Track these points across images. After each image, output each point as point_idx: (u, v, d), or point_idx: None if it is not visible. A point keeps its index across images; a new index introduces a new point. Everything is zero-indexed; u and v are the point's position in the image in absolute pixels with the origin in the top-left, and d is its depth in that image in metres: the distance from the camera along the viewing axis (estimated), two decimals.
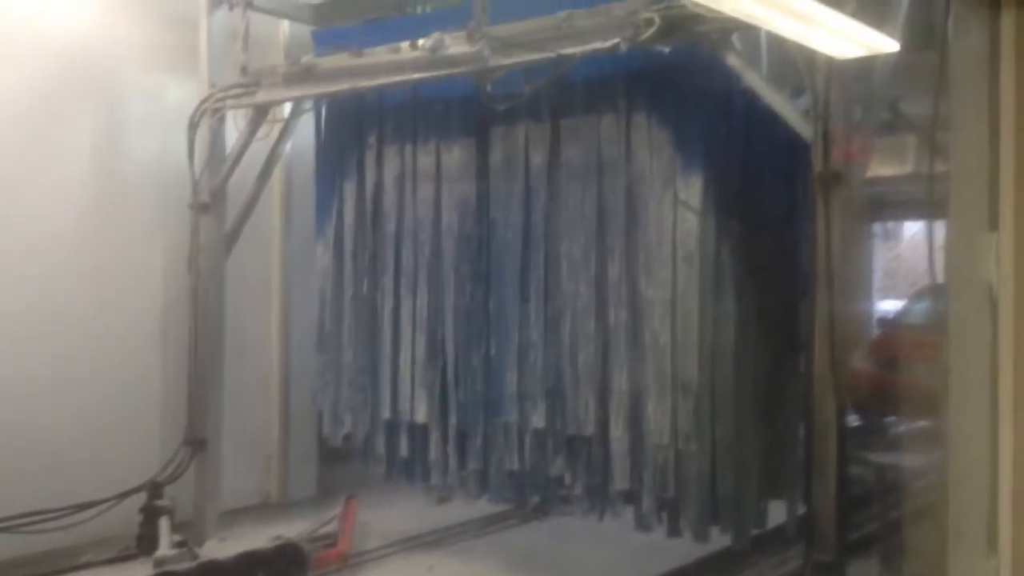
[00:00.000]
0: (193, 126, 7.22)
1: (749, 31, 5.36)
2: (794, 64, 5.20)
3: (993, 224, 2.68)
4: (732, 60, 5.21)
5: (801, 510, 6.39)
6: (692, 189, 5.65)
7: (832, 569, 4.90)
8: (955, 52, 2.66)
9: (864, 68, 5.03)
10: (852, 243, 5.24)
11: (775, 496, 6.22)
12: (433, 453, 6.77)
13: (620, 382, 5.90)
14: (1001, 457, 2.53)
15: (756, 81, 5.18)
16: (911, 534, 5.22)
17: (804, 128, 4.99)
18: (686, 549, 6.18)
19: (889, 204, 8.65)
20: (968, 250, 2.64)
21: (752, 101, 5.38)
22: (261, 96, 7.03)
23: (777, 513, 6.18)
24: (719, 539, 6.01)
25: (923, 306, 10.00)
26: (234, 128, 7.33)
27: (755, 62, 5.42)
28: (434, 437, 6.74)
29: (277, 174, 8.09)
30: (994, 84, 2.67)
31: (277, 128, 7.52)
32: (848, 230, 5.03)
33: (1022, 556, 2.63)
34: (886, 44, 4.28)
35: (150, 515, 6.82)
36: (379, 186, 7.03)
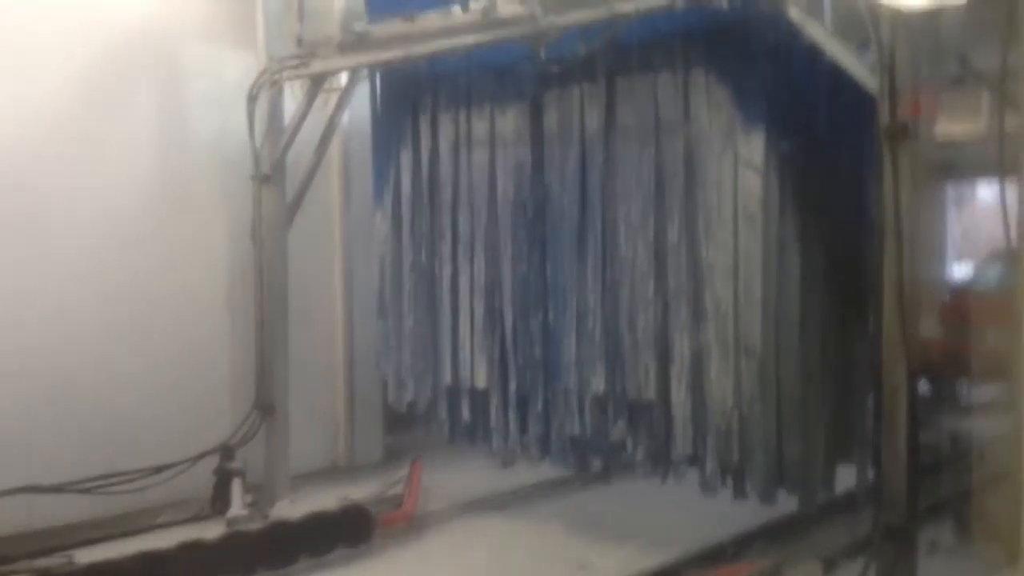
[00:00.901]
0: (252, 99, 7.26)
1: None
2: (859, 17, 5.00)
3: None
4: (793, 13, 5.01)
5: (871, 474, 6.30)
6: (753, 147, 5.49)
7: (903, 533, 4.78)
8: None
9: (931, 18, 4.81)
10: (921, 201, 5.04)
11: (844, 460, 6.11)
12: (494, 418, 6.79)
13: (681, 346, 5.82)
14: None
15: (819, 33, 4.99)
16: (983, 499, 5.07)
17: (870, 81, 4.80)
18: (752, 514, 6.11)
19: (961, 164, 8.31)
20: None
21: (816, 55, 5.19)
22: (316, 66, 7.03)
23: (846, 477, 6.09)
24: (786, 503, 5.92)
25: (995, 270, 9.64)
26: (292, 100, 7.37)
27: (817, 15, 5.22)
28: (494, 402, 6.76)
29: (336, 144, 8.12)
30: None
31: (334, 98, 7.56)
32: (916, 187, 4.83)
33: None
34: None
35: (223, 477, 7.00)
36: (434, 153, 7.01)
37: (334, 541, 6.09)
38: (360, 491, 7.01)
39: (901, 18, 4.63)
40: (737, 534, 6.28)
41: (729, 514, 6.17)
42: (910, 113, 4.68)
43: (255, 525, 6.23)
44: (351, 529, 6.24)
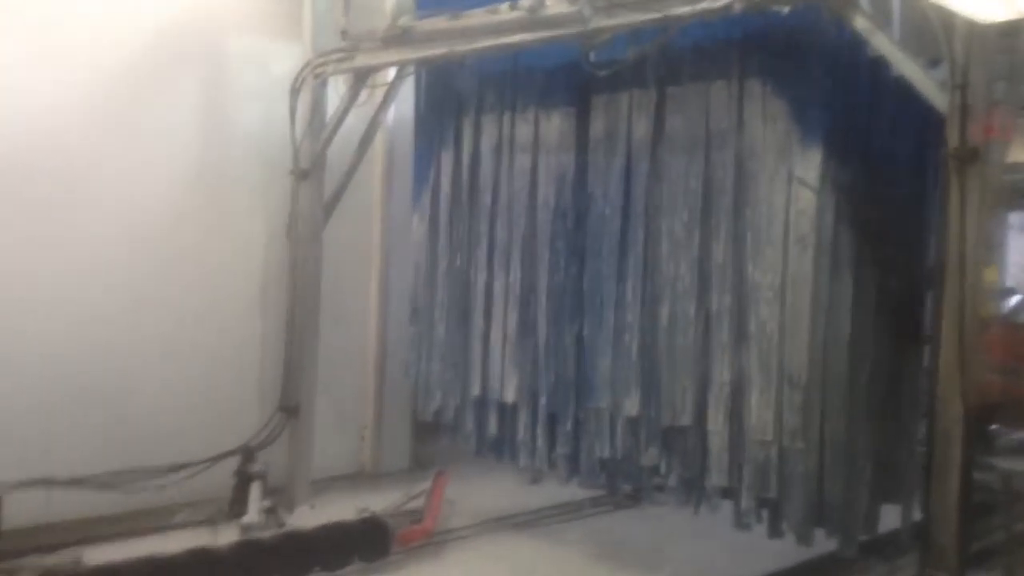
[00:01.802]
0: (295, 91, 7.14)
1: None
2: (930, 31, 4.67)
3: None
4: (860, 23, 4.70)
5: (917, 515, 5.94)
6: (809, 165, 5.18)
7: None
8: None
9: (1008, 35, 4.47)
10: (989, 230, 4.70)
11: (889, 500, 5.75)
12: (521, 433, 6.54)
13: (721, 371, 5.51)
14: None
15: (886, 46, 4.67)
16: None
17: (939, 99, 4.47)
18: (787, 550, 5.78)
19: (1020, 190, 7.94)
20: None
21: (880, 69, 4.87)
22: (360, 60, 6.88)
23: (889, 517, 5.73)
24: (824, 543, 5.59)
25: None
26: (336, 94, 7.22)
27: (885, 26, 4.90)
28: (523, 417, 6.51)
29: (378, 142, 7.96)
30: None
31: (379, 94, 7.39)
32: (984, 215, 4.49)
33: None
34: None
35: (242, 479, 6.85)
36: (476, 156, 6.80)
37: (349, 555, 5.87)
38: (383, 500, 6.79)
39: (976, 34, 4.30)
40: (769, 574, 5.96)
41: (762, 549, 5.84)
42: (982, 134, 4.35)
43: (269, 533, 6.03)
44: (367, 543, 6.02)
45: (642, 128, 5.85)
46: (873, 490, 5.53)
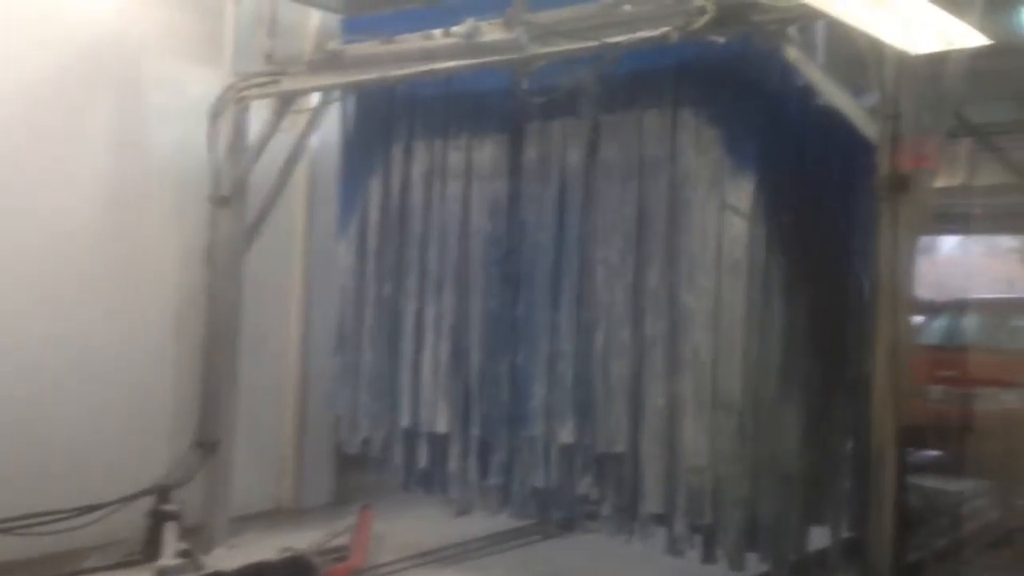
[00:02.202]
0: (215, 116, 6.94)
1: (806, 24, 5.00)
2: (853, 61, 4.83)
3: None
4: (791, 54, 4.83)
5: (844, 536, 6.05)
6: (741, 193, 5.26)
7: None
8: None
9: (934, 67, 4.64)
10: (914, 256, 4.84)
11: (818, 521, 5.84)
12: (453, 465, 6.42)
13: (656, 397, 5.52)
14: None
15: (817, 77, 4.79)
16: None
17: (870, 128, 4.60)
18: (717, 574, 5.80)
19: (940, 216, 8.31)
20: None
21: (810, 99, 5.00)
22: (286, 85, 6.74)
23: (816, 536, 5.81)
24: (754, 565, 5.62)
25: (940, 323, 9.59)
26: (258, 119, 7.05)
27: (811, 56, 5.04)
28: (455, 448, 6.39)
29: (302, 168, 7.79)
30: None
31: (303, 120, 7.25)
32: (913, 241, 4.63)
33: None
34: (969, 36, 3.90)
35: (156, 520, 6.52)
36: (406, 183, 6.71)
37: None
38: (305, 538, 6.57)
39: (906, 64, 4.45)
40: None
41: (694, 573, 5.83)
42: (911, 164, 4.48)
43: None
44: None
45: (576, 156, 5.86)
46: (803, 512, 5.60)
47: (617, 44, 5.09)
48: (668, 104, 5.53)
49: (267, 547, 6.34)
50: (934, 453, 6.70)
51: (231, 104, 6.92)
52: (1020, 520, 6.99)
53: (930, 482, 6.22)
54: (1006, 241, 12.12)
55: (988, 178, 8.68)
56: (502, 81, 5.91)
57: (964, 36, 3.90)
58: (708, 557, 5.57)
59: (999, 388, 8.01)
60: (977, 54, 4.54)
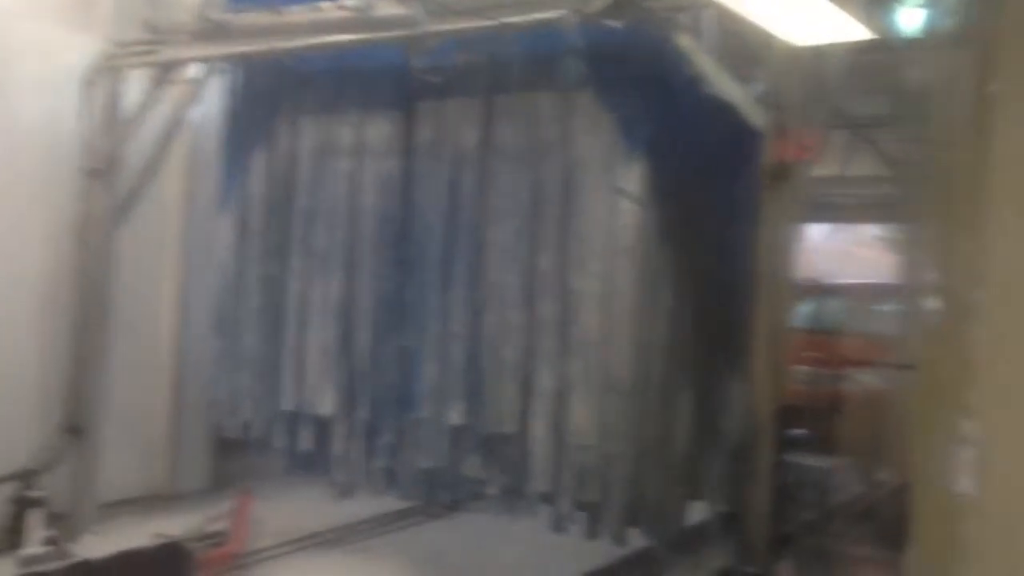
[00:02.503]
0: (88, 84, 6.65)
1: (697, 13, 5.13)
2: (738, 51, 4.99)
3: None
4: (683, 41, 4.93)
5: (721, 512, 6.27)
6: (633, 177, 5.37)
7: None
8: (1006, 27, 2.38)
9: (817, 60, 4.84)
10: (794, 242, 5.05)
11: (697, 497, 6.05)
12: (338, 447, 6.33)
13: (546, 379, 5.58)
14: None
15: (708, 65, 4.92)
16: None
17: (757, 117, 4.76)
18: (599, 550, 5.92)
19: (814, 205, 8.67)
20: (1009, 249, 2.36)
21: (700, 87, 5.12)
22: (166, 54, 6.47)
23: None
24: (635, 540, 5.77)
25: (807, 308, 10.07)
26: (136, 90, 6.75)
27: (701, 46, 5.17)
28: (340, 431, 6.30)
29: (181, 142, 7.49)
30: None
31: (183, 91, 6.97)
32: (793, 228, 4.83)
33: None
34: (852, 31, 4.08)
35: (20, 506, 6.24)
36: (293, 159, 6.54)
37: None
38: (181, 523, 6.35)
39: (791, 56, 4.62)
40: (583, 572, 6.08)
41: (577, 549, 5.95)
42: (795, 155, 4.67)
43: (52, 566, 5.46)
44: (166, 571, 5.60)
45: (470, 137, 5.85)
46: (683, 490, 5.78)
47: (514, 25, 5.09)
48: (562, 88, 5.56)
49: (139, 534, 6.10)
50: (800, 432, 7.02)
51: (106, 73, 6.62)
52: (880, 494, 7.41)
53: (797, 459, 6.51)
54: (873, 230, 12.80)
55: (859, 169, 9.12)
56: (395, 58, 5.83)
57: (847, 30, 4.07)
58: (592, 533, 5.68)
59: (860, 369, 8.45)
60: (855, 49, 4.76)
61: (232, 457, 7.92)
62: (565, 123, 5.56)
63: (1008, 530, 2.44)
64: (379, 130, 6.18)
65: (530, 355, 5.65)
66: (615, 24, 4.90)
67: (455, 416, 5.80)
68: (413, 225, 6.07)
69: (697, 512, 6.17)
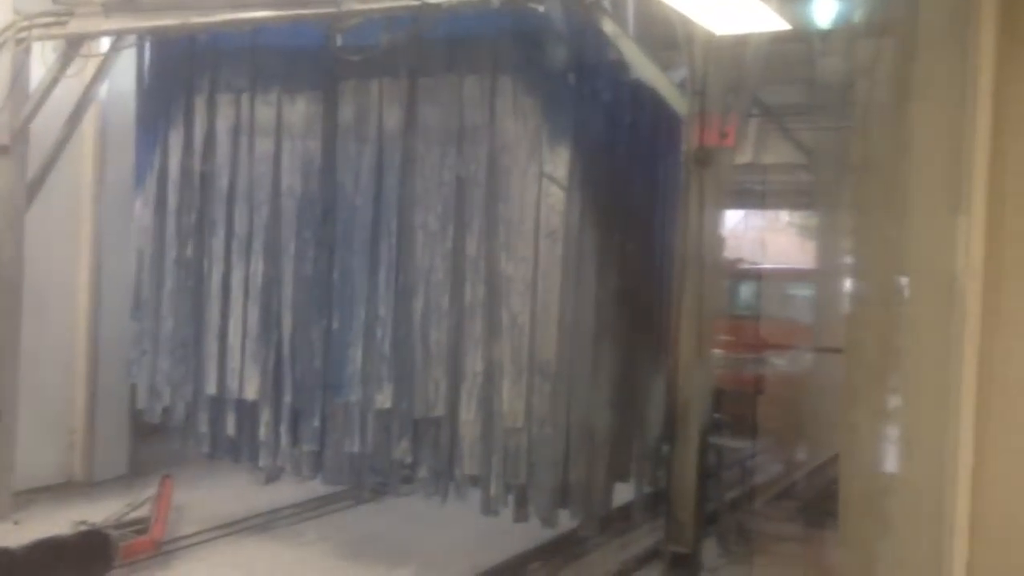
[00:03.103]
0: None
1: None
2: (660, 38, 5.00)
3: (960, 208, 2.43)
4: (607, 26, 4.92)
5: (644, 492, 6.39)
6: (559, 162, 5.35)
7: (689, 560, 4.79)
8: (924, 17, 2.42)
9: (738, 48, 4.88)
10: (717, 227, 5.11)
11: (623, 479, 6.13)
12: (263, 432, 6.23)
13: (474, 362, 5.57)
14: (959, 474, 2.34)
15: (632, 51, 4.92)
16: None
17: (680, 104, 4.78)
18: (528, 532, 5.98)
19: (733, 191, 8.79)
20: (930, 236, 2.41)
21: (623, 72, 5.12)
22: (74, 26, 6.23)
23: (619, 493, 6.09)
24: (563, 522, 5.83)
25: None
26: (42, 63, 6.48)
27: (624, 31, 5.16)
28: (265, 416, 6.20)
29: (91, 117, 7.26)
30: (968, 51, 2.42)
31: (93, 65, 6.71)
32: (716, 212, 4.88)
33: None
34: (771, 21, 4.11)
35: None
36: (210, 138, 6.35)
37: (66, 573, 5.29)
38: (101, 511, 6.23)
39: (713, 45, 4.65)
40: (514, 554, 6.13)
41: (506, 532, 5.99)
42: (717, 141, 4.71)
43: None
44: (86, 559, 5.49)
45: (394, 118, 5.75)
46: (610, 471, 5.85)
47: (437, 5, 5.00)
48: (487, 70, 5.51)
49: (58, 521, 5.98)
50: (723, 414, 7.17)
51: (11, 45, 6.34)
52: (800, 474, 7.63)
53: (721, 440, 6.65)
54: (785, 216, 13.07)
55: (772, 157, 9.27)
56: (313, 36, 5.71)
57: (767, 20, 4.10)
58: (520, 516, 5.72)
59: (778, 352, 8.63)
60: (774, 39, 4.81)
61: (152, 443, 7.75)
62: (490, 106, 5.51)
63: (932, 506, 2.53)
64: (299, 109, 6.04)
65: (458, 338, 5.62)
66: (540, 7, 4.85)
67: (382, 400, 5.76)
68: (336, 207, 5.96)
69: (624, 493, 6.26)
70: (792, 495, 7.27)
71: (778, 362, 8.58)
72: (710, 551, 5.95)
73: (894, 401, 2.65)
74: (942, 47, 2.46)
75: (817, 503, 6.58)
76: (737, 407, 7.34)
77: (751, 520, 6.58)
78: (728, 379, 7.66)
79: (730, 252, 9.75)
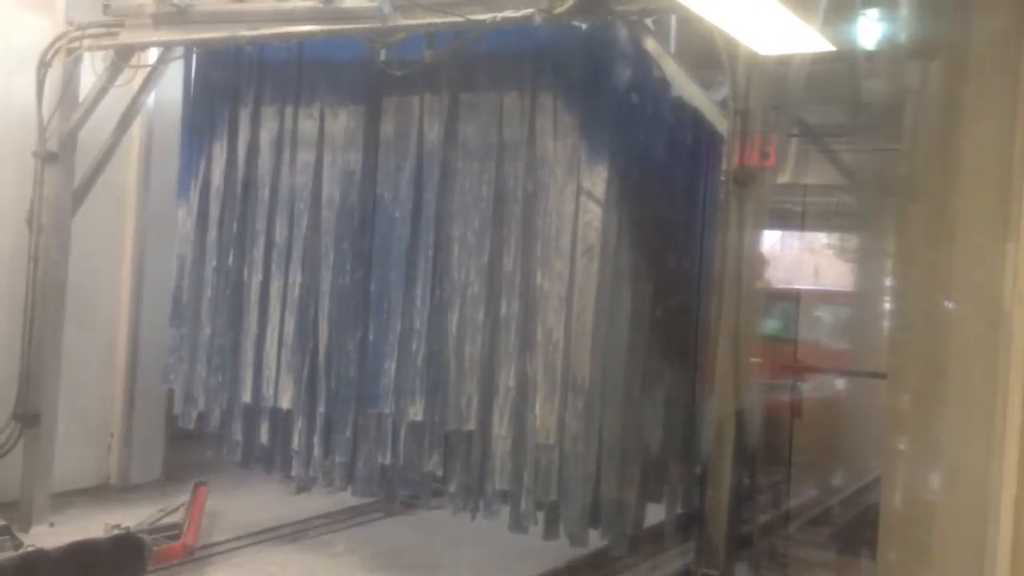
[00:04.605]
0: (44, 66, 6.57)
1: (661, 17, 5.12)
2: (702, 56, 4.98)
3: (1008, 235, 2.39)
4: (650, 45, 4.92)
5: (677, 515, 6.31)
6: (596, 179, 5.34)
7: None
8: (976, 41, 2.39)
9: (780, 68, 4.86)
10: (757, 247, 5.07)
11: (655, 499, 6.07)
12: (296, 442, 6.26)
13: (507, 377, 5.56)
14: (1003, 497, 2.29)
15: (674, 69, 4.91)
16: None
17: (721, 123, 4.76)
18: (557, 551, 5.93)
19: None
20: (977, 261, 2.38)
21: (664, 91, 5.11)
22: (125, 37, 6.34)
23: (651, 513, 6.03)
24: (594, 540, 5.78)
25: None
26: (92, 72, 6.62)
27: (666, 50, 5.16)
28: (298, 425, 6.23)
29: (137, 127, 7.40)
30: (1020, 77, 2.40)
31: (141, 75, 6.84)
32: (757, 233, 4.85)
33: None
34: (814, 41, 4.09)
35: None
36: (253, 149, 6.43)
37: None
38: (135, 515, 6.30)
39: (756, 64, 4.62)
40: (543, 571, 6.10)
41: (534, 550, 5.95)
42: (758, 161, 4.68)
43: (6, 555, 5.37)
44: (120, 563, 5.52)
45: (434, 132, 5.78)
46: (642, 491, 5.80)
47: (480, 22, 5.04)
48: (527, 87, 5.52)
49: (92, 524, 6.03)
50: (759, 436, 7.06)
51: (62, 54, 6.48)
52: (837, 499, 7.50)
53: (757, 463, 6.57)
54: (824, 238, 12.97)
55: (812, 177, 9.20)
56: (357, 50, 5.75)
57: (811, 41, 4.07)
58: (550, 533, 5.68)
59: (816, 376, 8.50)
60: (817, 59, 4.79)
61: (186, 449, 7.83)
62: (529, 123, 5.51)
63: (974, 534, 2.48)
64: (342, 123, 6.09)
65: (492, 353, 5.62)
66: (582, 25, 4.86)
67: (415, 413, 5.76)
68: (376, 220, 5.99)
69: (657, 513, 6.20)
70: (828, 521, 7.16)
71: (816, 386, 8.46)
72: (742, 574, 5.87)
73: (938, 427, 2.60)
74: (993, 73, 2.44)
75: (853, 529, 6.48)
76: (774, 430, 7.24)
77: (785, 544, 6.49)
78: (765, 402, 7.57)
79: (769, 273, 9.66)
